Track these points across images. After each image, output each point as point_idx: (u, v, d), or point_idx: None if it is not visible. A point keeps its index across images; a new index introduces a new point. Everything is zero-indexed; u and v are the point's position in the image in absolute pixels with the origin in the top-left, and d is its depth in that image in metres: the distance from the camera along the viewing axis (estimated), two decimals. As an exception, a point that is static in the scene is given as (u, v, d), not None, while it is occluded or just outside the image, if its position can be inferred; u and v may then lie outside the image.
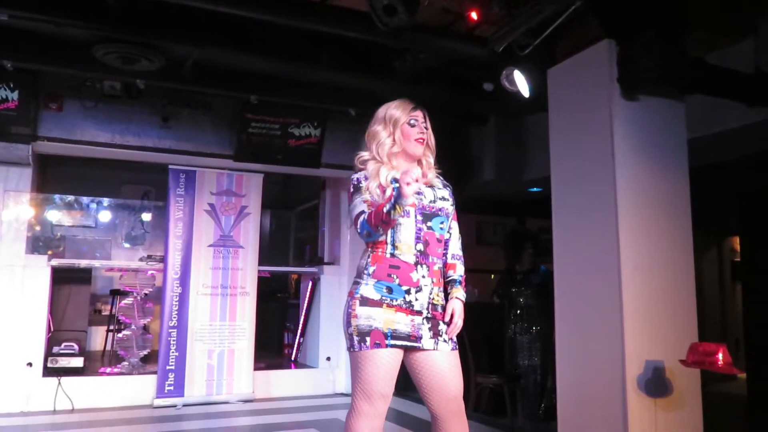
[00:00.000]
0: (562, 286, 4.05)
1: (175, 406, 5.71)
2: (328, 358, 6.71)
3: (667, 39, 3.56)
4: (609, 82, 3.72)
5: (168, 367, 5.80)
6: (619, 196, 3.63)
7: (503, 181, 6.35)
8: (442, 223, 2.49)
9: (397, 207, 2.18)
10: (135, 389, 5.82)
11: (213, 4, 3.91)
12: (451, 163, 5.29)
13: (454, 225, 2.60)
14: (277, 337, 8.23)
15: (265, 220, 8.66)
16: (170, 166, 6.08)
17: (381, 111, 2.58)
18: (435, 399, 2.39)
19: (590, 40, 3.88)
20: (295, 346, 7.27)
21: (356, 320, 2.35)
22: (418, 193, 2.41)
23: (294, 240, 9.56)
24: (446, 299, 2.53)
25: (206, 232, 6.13)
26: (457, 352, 2.47)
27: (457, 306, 2.48)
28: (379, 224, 2.27)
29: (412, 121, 2.52)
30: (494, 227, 8.07)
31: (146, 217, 8.86)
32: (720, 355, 3.07)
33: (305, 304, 7.14)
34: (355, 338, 2.34)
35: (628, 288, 3.56)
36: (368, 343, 2.31)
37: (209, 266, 6.10)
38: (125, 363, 6.17)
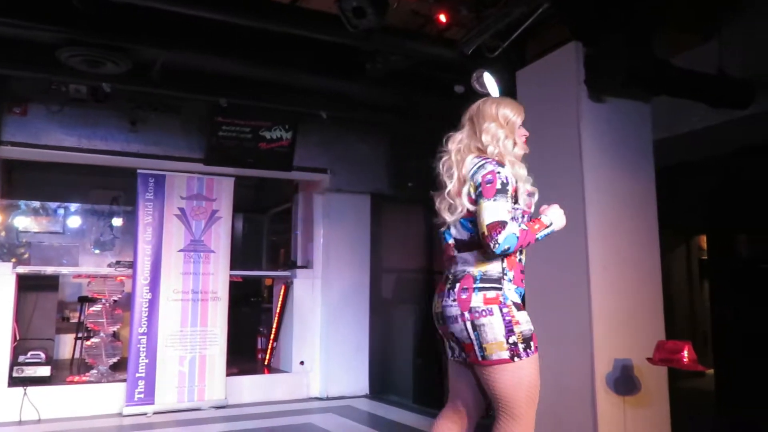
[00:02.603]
0: (531, 285, 4.06)
1: (146, 414, 5.61)
2: (302, 362, 6.66)
3: (633, 41, 3.61)
4: (576, 83, 3.77)
5: (138, 375, 5.70)
6: (587, 197, 3.67)
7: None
8: None
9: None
10: (104, 398, 5.70)
11: (181, 7, 3.87)
12: (422, 166, 5.35)
13: None
14: (251, 342, 8.15)
15: (237, 224, 8.57)
16: (139, 171, 5.98)
17: (490, 108, 2.39)
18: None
19: (558, 42, 3.92)
20: (269, 350, 7.21)
21: (519, 326, 2.22)
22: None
23: (267, 244, 9.48)
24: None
25: (176, 236, 6.05)
26: None
27: None
28: (526, 246, 2.27)
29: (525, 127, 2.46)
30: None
31: (116, 222, 8.72)
32: (685, 353, 3.12)
33: (278, 308, 7.08)
34: (520, 345, 2.20)
35: (597, 287, 3.60)
36: (532, 348, 2.23)
37: (180, 271, 6.01)
38: (94, 371, 6.04)
